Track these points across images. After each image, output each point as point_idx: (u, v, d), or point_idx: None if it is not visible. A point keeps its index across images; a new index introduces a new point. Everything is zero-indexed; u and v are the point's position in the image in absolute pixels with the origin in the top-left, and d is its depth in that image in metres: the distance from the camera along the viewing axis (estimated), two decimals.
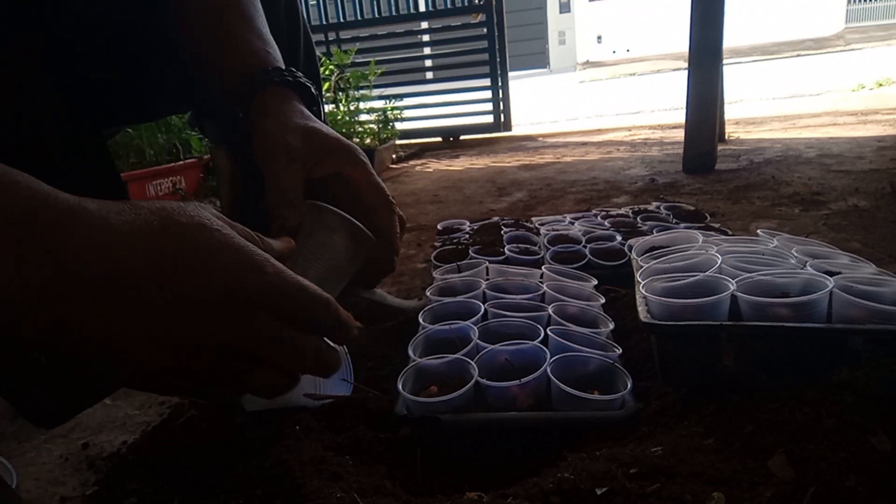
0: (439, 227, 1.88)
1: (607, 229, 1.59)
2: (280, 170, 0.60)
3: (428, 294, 1.16)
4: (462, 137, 5.09)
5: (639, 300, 0.84)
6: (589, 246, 1.43)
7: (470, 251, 1.48)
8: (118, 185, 0.74)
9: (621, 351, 0.89)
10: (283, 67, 0.68)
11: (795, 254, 0.91)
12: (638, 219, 1.70)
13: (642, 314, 0.80)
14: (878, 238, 1.56)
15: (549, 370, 0.82)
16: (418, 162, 4.20)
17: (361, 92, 4.11)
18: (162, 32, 0.76)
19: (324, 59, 3.99)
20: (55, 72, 0.66)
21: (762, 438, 0.62)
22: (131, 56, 0.78)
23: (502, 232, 1.64)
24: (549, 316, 1.00)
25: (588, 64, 17.19)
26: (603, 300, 1.10)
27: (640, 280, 0.89)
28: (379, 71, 4.32)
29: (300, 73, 0.68)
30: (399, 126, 4.45)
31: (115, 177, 0.75)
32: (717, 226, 1.56)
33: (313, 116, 0.66)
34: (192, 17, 0.72)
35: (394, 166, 4.08)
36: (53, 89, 0.66)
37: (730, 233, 1.46)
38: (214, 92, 0.74)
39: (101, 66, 0.74)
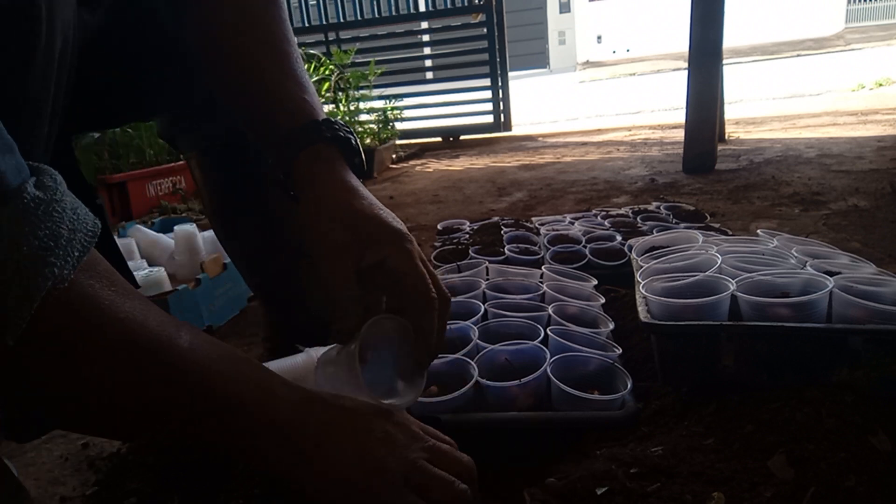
0: (439, 227, 1.87)
1: (607, 229, 1.59)
2: (332, 268, 0.60)
3: None
4: (462, 137, 5.09)
5: (639, 300, 0.84)
6: (589, 246, 1.43)
7: (470, 251, 1.48)
8: (86, 189, 0.72)
9: (621, 351, 0.89)
10: (321, 119, 0.66)
11: (795, 254, 0.91)
12: (638, 219, 1.70)
13: (642, 314, 0.80)
14: (878, 238, 1.56)
15: (549, 370, 0.82)
16: (418, 162, 4.20)
17: (361, 92, 4.11)
18: (162, 33, 0.76)
19: (324, 59, 4.00)
20: None
21: (762, 438, 0.62)
22: (131, 56, 0.78)
23: (502, 232, 1.64)
24: (549, 316, 1.00)
25: (588, 64, 17.18)
26: (603, 300, 1.10)
27: (640, 280, 0.89)
28: (379, 71, 4.33)
29: (339, 123, 0.66)
30: (399, 126, 4.45)
31: (83, 181, 0.74)
32: (717, 226, 1.56)
33: (357, 185, 0.64)
34: (220, 53, 0.69)
35: (394, 166, 4.08)
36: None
37: (730, 233, 1.46)
38: (245, 126, 0.73)
39: (101, 65, 0.74)
